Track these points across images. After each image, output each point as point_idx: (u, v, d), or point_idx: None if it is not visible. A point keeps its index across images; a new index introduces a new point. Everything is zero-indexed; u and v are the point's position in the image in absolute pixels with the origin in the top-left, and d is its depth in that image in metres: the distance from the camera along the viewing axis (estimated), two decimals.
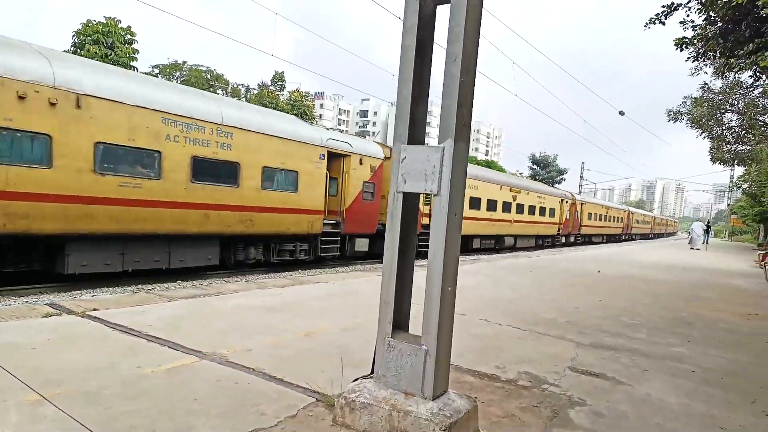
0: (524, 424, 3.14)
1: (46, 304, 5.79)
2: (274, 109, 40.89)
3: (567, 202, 32.75)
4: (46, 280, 8.88)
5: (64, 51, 32.35)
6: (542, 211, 28.60)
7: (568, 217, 32.84)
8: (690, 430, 3.23)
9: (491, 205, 22.89)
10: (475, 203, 21.27)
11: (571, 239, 35.05)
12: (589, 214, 39.13)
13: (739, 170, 43.19)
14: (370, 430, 2.84)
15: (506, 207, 24.30)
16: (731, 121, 22.12)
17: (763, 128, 20.94)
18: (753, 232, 64.54)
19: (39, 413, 2.88)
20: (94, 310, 5.40)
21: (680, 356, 5.06)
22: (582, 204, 37.38)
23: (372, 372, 3.10)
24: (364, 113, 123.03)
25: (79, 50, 31.79)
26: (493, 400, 3.50)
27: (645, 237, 65.01)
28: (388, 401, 2.84)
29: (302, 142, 12.45)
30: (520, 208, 25.88)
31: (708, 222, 49.10)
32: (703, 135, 22.72)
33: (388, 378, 2.95)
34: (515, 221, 25.43)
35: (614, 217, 47.71)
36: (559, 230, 31.43)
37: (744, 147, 23.71)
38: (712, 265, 18.78)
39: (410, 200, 3.00)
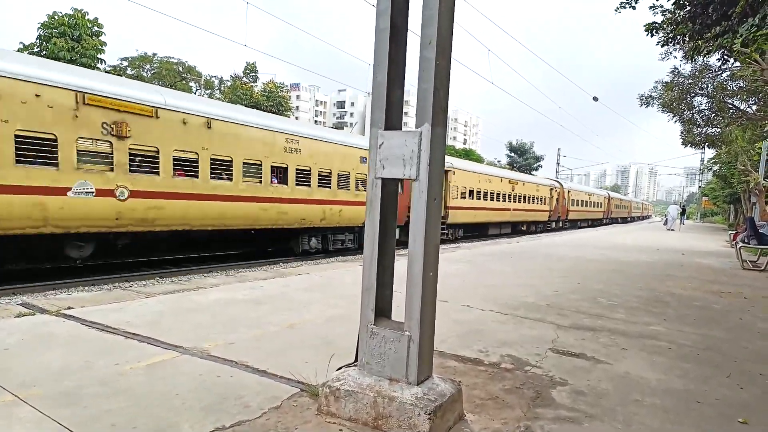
0: (508, 406, 3.17)
1: (19, 304, 5.62)
2: (248, 101, 40.33)
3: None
4: (20, 279, 8.64)
5: (30, 44, 31.35)
6: (326, 180, 14.77)
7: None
8: (668, 405, 3.31)
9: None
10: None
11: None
12: (464, 193, 23.35)
13: (709, 153, 44.30)
14: (355, 417, 2.83)
15: (194, 167, 11.13)
16: (701, 104, 22.59)
17: (732, 111, 21.43)
18: (724, 214, 66.27)
19: (14, 414, 2.80)
20: (69, 308, 5.27)
21: (657, 334, 5.17)
22: (455, 173, 22.15)
23: (356, 360, 3.09)
24: (341, 104, 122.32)
25: (45, 43, 30.77)
26: (476, 384, 3.53)
27: (597, 223, 49.63)
28: (372, 388, 2.84)
29: None
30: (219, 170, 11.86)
31: (683, 205, 50.84)
32: (675, 119, 23.17)
33: (372, 365, 2.94)
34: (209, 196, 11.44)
35: (500, 194, 27.95)
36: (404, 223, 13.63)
37: (714, 130, 24.23)
38: (686, 245, 19.26)
39: (389, 186, 2.98)
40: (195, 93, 43.79)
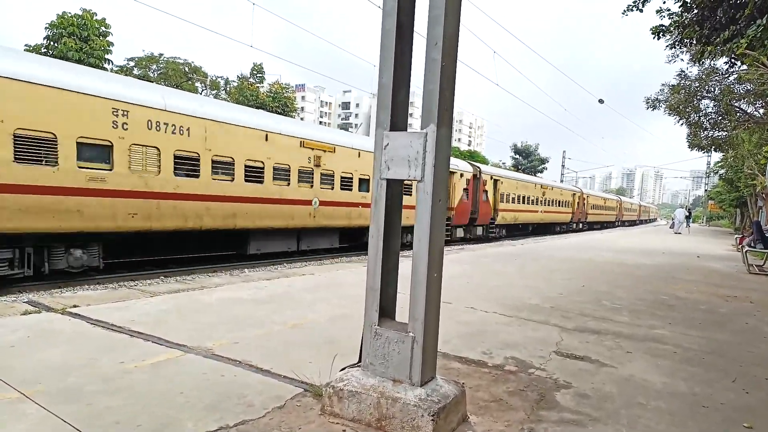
0: (511, 408, 3.16)
1: (25, 302, 5.66)
2: (254, 101, 40.46)
3: None
4: (26, 279, 8.69)
5: (36, 45, 31.57)
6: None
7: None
8: (673, 409, 3.29)
9: None
10: None
11: None
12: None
13: (716, 156, 44.20)
14: (358, 418, 2.83)
15: None
16: (708, 107, 22.50)
17: (738, 114, 21.32)
18: (730, 217, 65.88)
19: (20, 411, 2.81)
20: (75, 306, 5.30)
21: (662, 337, 5.15)
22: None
23: (359, 360, 3.09)
24: (346, 105, 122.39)
25: (53, 43, 30.99)
26: (480, 385, 3.52)
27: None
28: (376, 389, 2.84)
29: None
30: None
31: (689, 208, 51.12)
32: (681, 122, 23.08)
33: (376, 366, 2.94)
34: None
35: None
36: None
37: (720, 133, 24.15)
38: (692, 249, 19.15)
39: (394, 187, 2.98)
40: (201, 93, 43.89)
